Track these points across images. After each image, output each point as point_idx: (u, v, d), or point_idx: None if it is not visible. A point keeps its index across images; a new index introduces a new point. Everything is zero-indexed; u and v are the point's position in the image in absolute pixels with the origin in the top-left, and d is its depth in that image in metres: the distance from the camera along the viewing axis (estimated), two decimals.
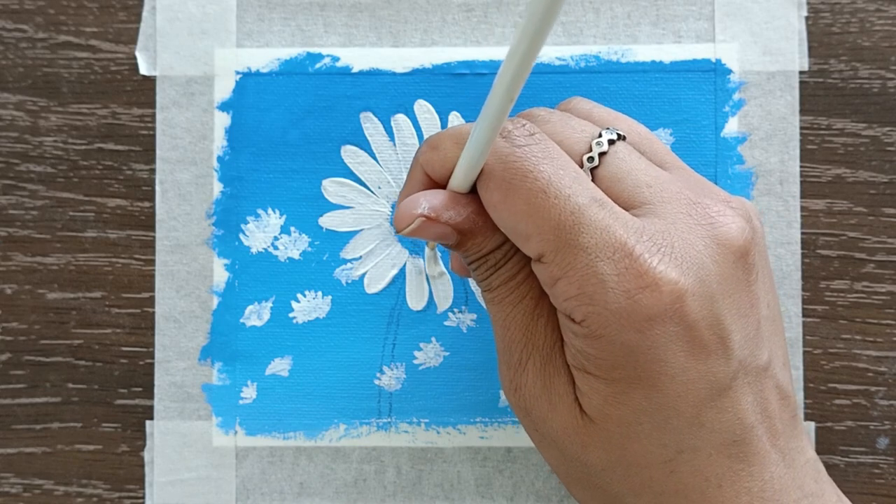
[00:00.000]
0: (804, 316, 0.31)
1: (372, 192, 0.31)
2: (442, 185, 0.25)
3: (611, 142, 0.24)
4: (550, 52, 0.31)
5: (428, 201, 0.24)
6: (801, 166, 0.31)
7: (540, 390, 0.24)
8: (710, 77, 0.31)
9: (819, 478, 0.24)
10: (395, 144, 0.31)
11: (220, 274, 0.31)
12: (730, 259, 0.23)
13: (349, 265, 0.31)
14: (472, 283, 0.31)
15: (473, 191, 0.24)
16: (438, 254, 0.31)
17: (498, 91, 0.20)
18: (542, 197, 0.22)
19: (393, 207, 0.31)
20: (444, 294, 0.31)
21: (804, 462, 0.24)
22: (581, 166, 0.24)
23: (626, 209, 0.23)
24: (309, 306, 0.31)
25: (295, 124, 0.31)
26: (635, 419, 0.22)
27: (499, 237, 0.24)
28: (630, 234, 0.22)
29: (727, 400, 0.22)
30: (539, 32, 0.18)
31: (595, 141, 0.24)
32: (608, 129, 0.24)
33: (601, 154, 0.24)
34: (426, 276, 0.31)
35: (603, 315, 0.22)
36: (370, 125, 0.31)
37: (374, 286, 0.31)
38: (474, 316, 0.31)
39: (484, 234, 0.24)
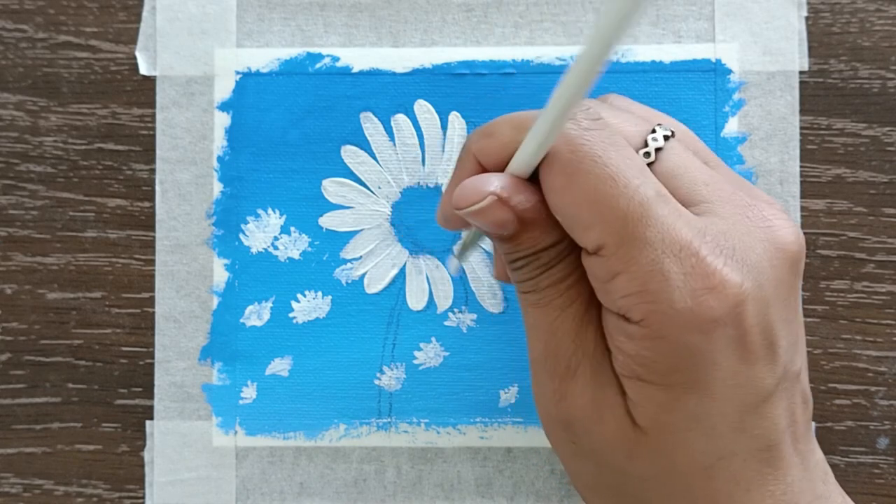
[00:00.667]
0: (804, 316, 0.31)
1: (372, 192, 0.31)
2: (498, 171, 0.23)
3: (665, 137, 0.23)
4: (550, 53, 0.31)
5: (500, 181, 0.22)
6: (801, 166, 0.31)
7: (588, 401, 0.23)
8: (710, 77, 0.31)
9: (827, 479, 0.24)
10: (395, 144, 0.31)
11: (220, 274, 0.31)
12: (786, 264, 0.22)
13: (349, 265, 0.31)
14: (472, 284, 0.31)
15: (533, 182, 0.23)
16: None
17: (582, 65, 0.19)
18: (611, 184, 0.21)
19: (393, 208, 0.31)
20: (444, 294, 0.31)
21: (815, 463, 0.24)
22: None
23: (684, 206, 0.23)
24: (309, 306, 0.31)
25: (295, 124, 0.31)
26: (686, 426, 0.22)
27: (556, 234, 0.23)
28: (694, 233, 0.21)
29: (768, 406, 0.22)
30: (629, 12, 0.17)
31: (651, 136, 0.23)
32: (660, 125, 0.24)
33: (657, 150, 0.23)
34: (426, 275, 0.31)
35: (667, 314, 0.21)
36: (370, 125, 0.31)
37: (374, 286, 0.31)
38: (474, 316, 0.31)
39: (543, 228, 0.23)
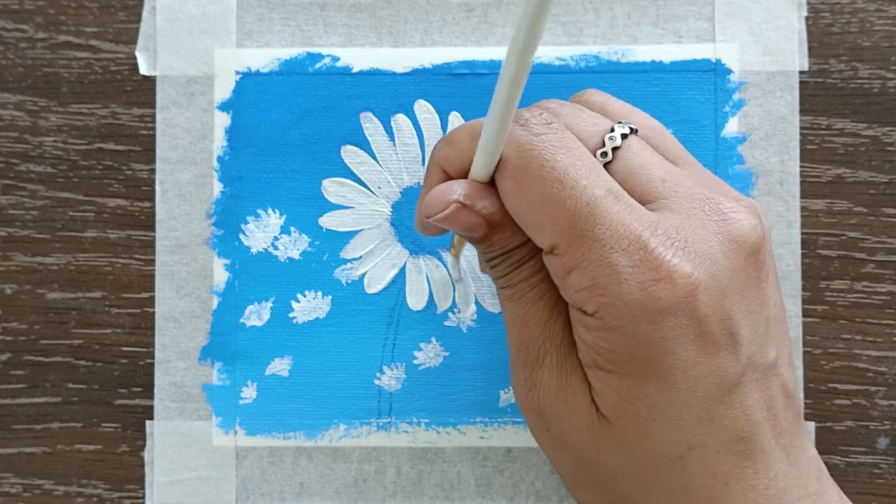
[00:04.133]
0: (804, 316, 0.31)
1: (372, 192, 0.31)
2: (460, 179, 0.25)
3: (623, 136, 0.24)
4: (550, 53, 0.31)
5: (462, 188, 0.24)
6: (801, 166, 0.31)
7: (555, 389, 0.24)
8: (710, 77, 0.31)
9: (821, 476, 0.24)
10: (395, 144, 0.31)
11: (220, 274, 0.31)
12: (742, 255, 0.23)
13: (349, 265, 0.31)
14: (472, 284, 0.31)
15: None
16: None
17: (506, 73, 0.20)
18: (558, 187, 0.22)
19: (393, 208, 0.31)
20: (444, 294, 0.31)
21: (807, 461, 0.24)
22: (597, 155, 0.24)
23: (640, 203, 0.23)
24: (309, 306, 0.31)
25: (295, 124, 0.31)
26: (649, 414, 0.22)
27: (524, 234, 0.24)
28: (645, 227, 0.22)
29: (736, 396, 0.23)
30: (538, 14, 0.19)
31: (608, 136, 0.24)
32: (620, 122, 0.24)
33: (614, 149, 0.24)
34: (426, 275, 0.31)
35: (616, 306, 0.22)
36: (370, 125, 0.31)
37: (374, 286, 0.31)
38: (475, 316, 0.31)
39: (512, 229, 0.24)
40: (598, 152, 0.24)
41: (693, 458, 0.23)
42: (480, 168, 0.23)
